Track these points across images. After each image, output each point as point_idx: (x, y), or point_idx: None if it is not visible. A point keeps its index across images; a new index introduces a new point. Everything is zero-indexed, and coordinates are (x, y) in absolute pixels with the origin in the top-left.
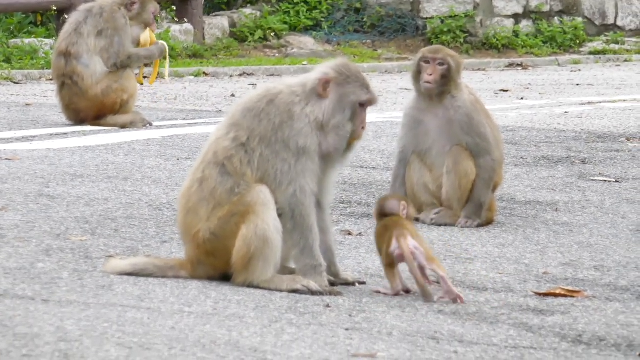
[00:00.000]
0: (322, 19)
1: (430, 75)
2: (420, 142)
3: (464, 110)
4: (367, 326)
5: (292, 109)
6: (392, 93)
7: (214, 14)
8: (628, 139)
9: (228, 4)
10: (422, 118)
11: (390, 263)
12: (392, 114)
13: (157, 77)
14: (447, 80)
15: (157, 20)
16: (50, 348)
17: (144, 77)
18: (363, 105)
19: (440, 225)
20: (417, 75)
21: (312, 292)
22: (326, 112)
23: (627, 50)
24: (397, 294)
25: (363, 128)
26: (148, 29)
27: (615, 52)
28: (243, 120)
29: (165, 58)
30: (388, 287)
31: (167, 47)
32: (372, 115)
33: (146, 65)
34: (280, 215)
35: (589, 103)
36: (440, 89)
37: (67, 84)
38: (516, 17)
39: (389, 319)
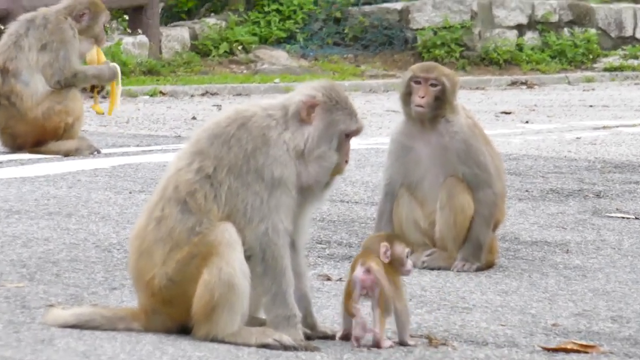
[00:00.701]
0: (297, 30)
1: (422, 97)
2: (410, 173)
3: (461, 136)
4: None
5: (268, 134)
6: (378, 115)
7: (172, 24)
8: None
9: (189, 12)
10: (413, 145)
11: (349, 293)
12: (378, 139)
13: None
14: (441, 103)
15: (106, 32)
16: None
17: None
18: (349, 136)
19: (433, 268)
20: (407, 97)
21: (285, 347)
22: (310, 140)
23: None
24: (345, 337)
25: (346, 161)
26: (96, 46)
27: (634, 69)
28: (209, 148)
29: (117, 83)
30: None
31: (119, 71)
32: (354, 141)
33: (92, 89)
34: (248, 258)
35: (604, 127)
36: (433, 112)
37: (4, 104)
38: (520, 28)
39: None
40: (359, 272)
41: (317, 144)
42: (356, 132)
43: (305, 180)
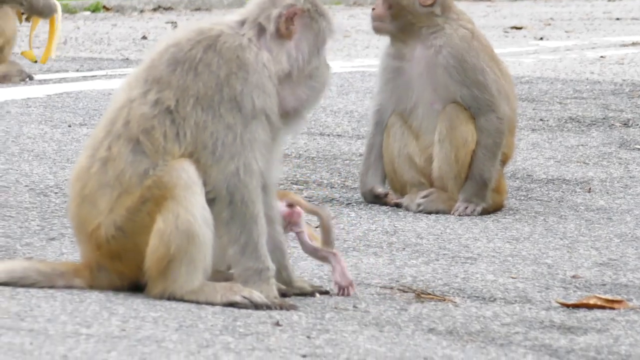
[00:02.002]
0: None
1: (374, 9)
2: (402, 99)
3: (449, 49)
4: (331, 351)
5: (243, 56)
6: (364, 33)
7: None
8: None
9: None
10: (401, 66)
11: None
12: (364, 61)
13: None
14: (402, 11)
15: None
16: None
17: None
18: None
19: (430, 212)
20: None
21: (256, 306)
22: (298, 59)
23: None
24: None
25: None
26: None
27: None
28: (171, 77)
29: (56, 26)
30: None
31: (59, 10)
32: (335, 64)
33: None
34: (212, 201)
35: (633, 44)
36: (397, 25)
37: None
38: None
39: (362, 342)
40: (282, 208)
41: (308, 60)
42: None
43: (290, 107)
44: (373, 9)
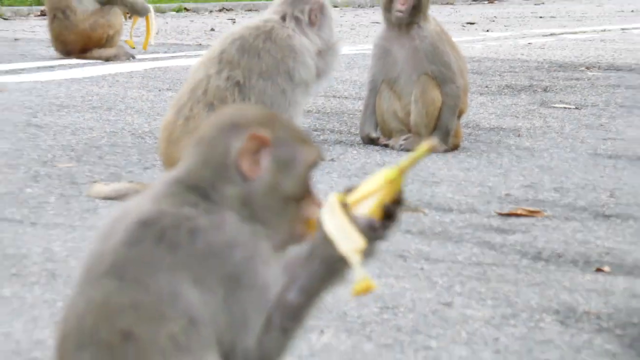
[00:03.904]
0: None
1: (403, 4)
2: (389, 71)
3: (430, 40)
4: None
5: (291, 42)
6: (364, 27)
7: None
8: (587, 68)
9: None
10: (390, 48)
11: None
12: (364, 46)
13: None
14: (416, 12)
15: None
16: (38, 268)
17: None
18: None
19: (409, 150)
20: (389, 4)
21: None
22: (323, 37)
23: None
24: None
25: None
26: None
27: None
28: (240, 60)
29: (151, 23)
30: None
31: (152, 11)
32: (346, 49)
33: (129, 17)
34: None
35: (551, 34)
36: (409, 18)
37: (59, 17)
38: None
39: None
40: None
41: (329, 39)
42: None
43: (322, 72)
44: (402, 4)
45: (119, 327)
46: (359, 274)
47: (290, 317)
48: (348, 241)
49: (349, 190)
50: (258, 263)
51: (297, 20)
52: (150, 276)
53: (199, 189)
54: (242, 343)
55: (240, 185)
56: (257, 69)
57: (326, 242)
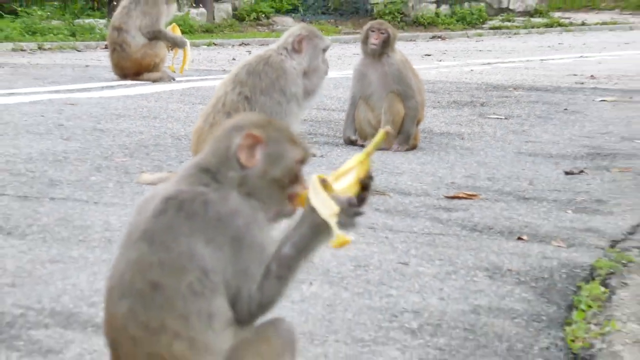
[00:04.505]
0: (299, 4)
1: (376, 39)
2: (365, 90)
3: (396, 66)
4: None
5: (283, 66)
6: (349, 57)
7: (221, 0)
8: (514, 88)
9: None
10: (366, 72)
11: None
12: (348, 72)
13: (177, 69)
14: (386, 45)
15: (179, 5)
16: (99, 235)
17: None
18: (324, 50)
19: (379, 150)
20: (366, 40)
21: None
22: (307, 61)
23: (516, 26)
24: None
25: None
26: (174, 24)
27: (508, 28)
28: (247, 80)
29: (187, 52)
30: None
31: (188, 43)
32: (334, 73)
33: (171, 49)
34: None
35: (488, 63)
36: (381, 50)
37: (117, 49)
38: (437, 3)
39: None
40: None
41: (313, 63)
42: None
43: (310, 89)
44: (375, 39)
45: (149, 279)
46: (337, 232)
47: (285, 267)
48: (327, 208)
49: (329, 176)
50: (256, 228)
51: (287, 49)
52: (172, 239)
53: (210, 172)
54: (246, 289)
55: (239, 171)
56: (259, 86)
57: (312, 211)
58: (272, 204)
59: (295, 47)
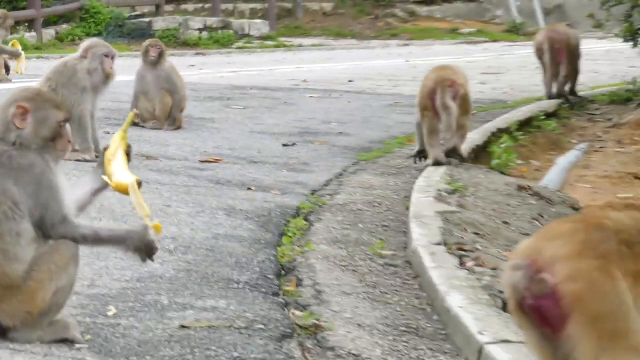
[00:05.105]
0: (103, 30)
1: (154, 52)
2: (144, 87)
3: (166, 71)
4: None
5: (75, 67)
6: (136, 66)
7: (47, 27)
8: (250, 88)
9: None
10: (145, 75)
11: None
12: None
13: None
14: (160, 56)
15: (16, 29)
16: None
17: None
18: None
19: (153, 129)
20: (146, 52)
21: None
22: (90, 66)
23: (254, 47)
24: None
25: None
26: (15, 41)
27: (248, 48)
28: (53, 77)
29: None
30: None
31: (23, 55)
32: (126, 77)
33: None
34: None
35: (234, 72)
36: (156, 60)
37: None
38: (200, 30)
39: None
40: None
41: (92, 64)
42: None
43: (94, 84)
44: (154, 52)
45: None
46: (150, 224)
47: (93, 235)
48: (143, 210)
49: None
50: (49, 173)
51: (79, 56)
52: None
53: (4, 137)
54: (48, 217)
55: (18, 132)
56: (60, 81)
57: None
58: (50, 153)
59: (83, 54)
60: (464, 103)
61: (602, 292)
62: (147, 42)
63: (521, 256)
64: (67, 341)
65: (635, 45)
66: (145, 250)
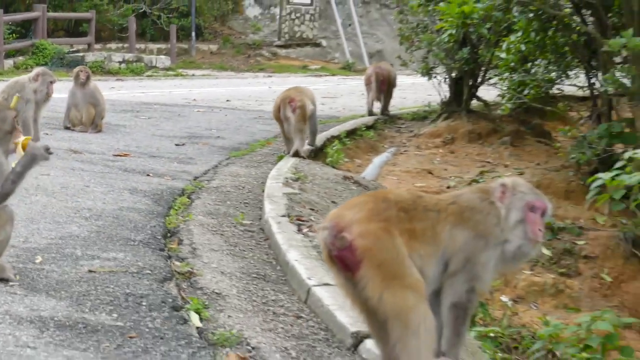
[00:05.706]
0: (48, 61)
1: (84, 76)
2: (75, 101)
3: (92, 90)
4: None
5: (25, 85)
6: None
7: (8, 58)
8: (155, 104)
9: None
10: (76, 92)
11: None
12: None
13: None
14: (87, 79)
15: None
16: None
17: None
18: None
19: (81, 132)
20: (77, 76)
21: None
22: (37, 84)
23: (160, 75)
24: None
25: None
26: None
27: (155, 76)
28: (7, 90)
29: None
30: None
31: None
32: (64, 95)
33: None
34: None
35: (142, 92)
36: (85, 81)
37: None
38: (120, 62)
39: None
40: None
41: (40, 86)
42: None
43: (39, 99)
44: (84, 77)
45: None
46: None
47: (16, 175)
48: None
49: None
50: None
51: (30, 78)
52: None
53: None
54: None
55: None
56: (12, 94)
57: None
58: (4, 146)
59: (35, 78)
60: (302, 114)
61: (384, 245)
62: (78, 68)
63: (329, 220)
64: (3, 280)
65: (429, 79)
66: (45, 152)
